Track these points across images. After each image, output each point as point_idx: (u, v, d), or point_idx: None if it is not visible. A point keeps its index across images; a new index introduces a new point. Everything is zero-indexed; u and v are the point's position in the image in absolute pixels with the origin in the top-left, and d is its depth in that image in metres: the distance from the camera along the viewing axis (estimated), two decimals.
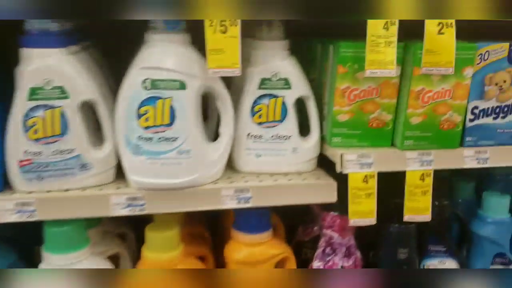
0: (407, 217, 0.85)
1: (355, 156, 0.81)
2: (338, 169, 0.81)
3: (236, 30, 0.70)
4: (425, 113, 0.81)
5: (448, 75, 0.79)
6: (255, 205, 0.79)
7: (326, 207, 0.89)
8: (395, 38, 0.75)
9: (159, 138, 0.73)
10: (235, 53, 0.71)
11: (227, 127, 0.80)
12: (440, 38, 0.76)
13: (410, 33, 0.79)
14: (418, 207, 0.85)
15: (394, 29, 0.75)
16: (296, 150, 0.84)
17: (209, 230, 1.02)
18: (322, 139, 0.88)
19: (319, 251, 0.89)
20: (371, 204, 0.82)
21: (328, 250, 0.89)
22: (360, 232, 0.91)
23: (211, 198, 0.77)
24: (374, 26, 0.74)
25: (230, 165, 0.86)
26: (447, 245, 0.95)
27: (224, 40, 0.70)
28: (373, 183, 0.82)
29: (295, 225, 1.01)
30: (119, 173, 0.79)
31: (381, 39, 0.75)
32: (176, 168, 0.75)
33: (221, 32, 0.70)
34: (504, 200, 0.95)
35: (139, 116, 0.73)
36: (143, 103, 0.72)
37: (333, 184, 0.82)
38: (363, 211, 0.82)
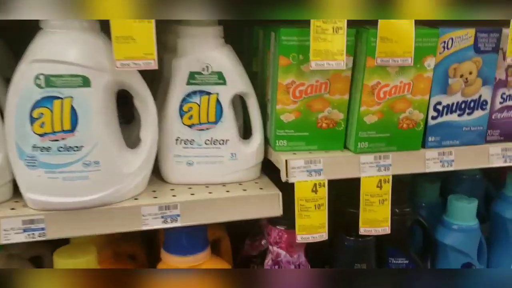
0: (363, 230, 0.74)
1: (302, 162, 0.70)
2: (283, 177, 0.70)
3: None
4: (381, 110, 0.70)
5: (406, 66, 0.68)
6: (184, 224, 0.67)
7: (273, 219, 0.77)
8: (344, 24, 0.64)
9: (59, 148, 0.60)
10: (149, 41, 0.58)
11: (149, 131, 0.67)
12: (396, 24, 0.65)
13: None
14: (375, 219, 0.74)
15: None
16: (235, 156, 0.72)
17: (147, 247, 0.89)
18: (268, 143, 0.76)
19: None
20: (322, 217, 0.71)
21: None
22: (313, 245, 0.80)
23: (129, 218, 0.64)
24: None
25: (159, 176, 0.73)
26: (409, 257, 0.85)
27: (134, 25, 0.57)
28: (323, 192, 0.71)
29: (245, 235, 0.90)
30: (17, 190, 0.65)
31: (328, 25, 0.63)
32: (83, 183, 0.61)
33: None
34: (471, 204, 0.86)
35: (33, 120, 0.59)
36: (37, 105, 0.58)
37: (277, 195, 0.70)
38: (313, 225, 0.71)
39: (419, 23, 0.67)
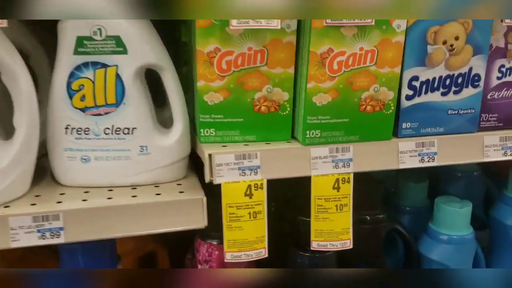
0: (315, 244, 0.57)
1: (232, 157, 0.53)
2: (206, 177, 0.53)
3: None
4: (335, 88, 0.53)
5: (367, 27, 0.51)
6: (70, 240, 0.50)
7: (202, 232, 0.60)
8: None
9: None
10: None
11: (23, 115, 0.50)
12: None
13: None
14: (331, 230, 0.57)
15: None
16: (147, 149, 0.55)
17: None
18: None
19: None
20: (259, 229, 0.54)
21: None
22: (260, 263, 0.63)
23: None
24: None
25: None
26: None
27: None
28: (261, 196, 0.54)
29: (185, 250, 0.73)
30: None
31: None
32: None
33: None
34: (463, 209, 0.68)
35: None
36: None
37: (200, 201, 0.53)
38: (247, 239, 0.54)
39: None
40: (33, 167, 0.53)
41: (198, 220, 0.54)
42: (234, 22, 0.47)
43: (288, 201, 0.65)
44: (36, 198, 0.52)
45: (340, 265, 0.64)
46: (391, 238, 0.74)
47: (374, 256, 0.67)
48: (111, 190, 0.55)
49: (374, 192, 0.66)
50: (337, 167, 0.55)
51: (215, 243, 0.59)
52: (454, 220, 0.68)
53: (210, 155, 0.52)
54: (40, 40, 0.61)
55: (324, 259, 0.61)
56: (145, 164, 0.55)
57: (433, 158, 0.58)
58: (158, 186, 0.57)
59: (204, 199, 0.53)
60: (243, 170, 0.53)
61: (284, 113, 0.56)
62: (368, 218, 0.65)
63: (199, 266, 0.60)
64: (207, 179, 0.53)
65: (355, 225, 0.58)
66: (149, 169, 0.56)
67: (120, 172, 0.55)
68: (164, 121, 0.59)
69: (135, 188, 0.56)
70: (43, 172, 0.58)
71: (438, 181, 0.84)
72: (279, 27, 0.48)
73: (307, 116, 0.54)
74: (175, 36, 0.65)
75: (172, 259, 0.76)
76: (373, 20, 0.49)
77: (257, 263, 0.60)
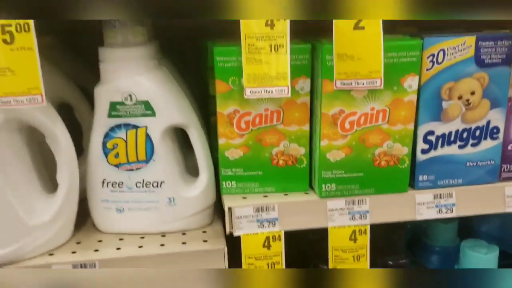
0: None
1: (251, 210, 0.56)
2: (227, 229, 0.57)
3: (29, 38, 0.46)
4: (348, 145, 0.55)
5: (377, 90, 0.53)
6: None
7: None
8: (286, 39, 0.50)
9: None
10: (33, 73, 0.47)
11: (64, 173, 0.56)
12: (358, 35, 0.50)
13: (322, 28, 0.54)
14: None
15: (284, 25, 0.49)
16: (174, 201, 0.60)
17: None
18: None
19: None
20: (277, 279, 0.57)
21: None
22: None
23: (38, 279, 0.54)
24: (248, 23, 0.49)
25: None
26: None
27: (11, 54, 0.46)
28: (279, 247, 0.57)
29: None
30: None
31: (263, 42, 0.49)
32: None
33: (5, 43, 0.46)
34: (489, 255, 0.67)
35: None
36: None
37: (221, 251, 0.57)
38: None
39: (390, 31, 0.52)
40: (74, 218, 0.59)
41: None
42: (248, 92, 0.51)
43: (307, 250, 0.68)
44: (77, 246, 0.58)
45: None
46: None
47: None
48: (142, 237, 0.60)
49: (399, 233, 0.67)
50: (353, 219, 0.58)
51: None
52: (479, 266, 0.68)
53: (230, 209, 0.56)
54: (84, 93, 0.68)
55: None
56: (172, 214, 0.60)
57: (451, 209, 0.59)
58: (185, 234, 0.61)
59: (225, 248, 0.57)
60: (261, 222, 0.57)
61: (301, 166, 0.58)
62: (391, 263, 0.67)
63: None
64: (227, 231, 0.56)
65: None
66: (176, 219, 0.60)
67: (150, 221, 0.60)
68: (197, 165, 0.63)
69: (164, 236, 0.61)
70: (84, 215, 0.64)
71: (470, 220, 0.83)
72: (289, 95, 0.51)
73: (321, 171, 0.56)
74: (206, 89, 0.70)
75: None
76: (382, 83, 0.51)
77: None
